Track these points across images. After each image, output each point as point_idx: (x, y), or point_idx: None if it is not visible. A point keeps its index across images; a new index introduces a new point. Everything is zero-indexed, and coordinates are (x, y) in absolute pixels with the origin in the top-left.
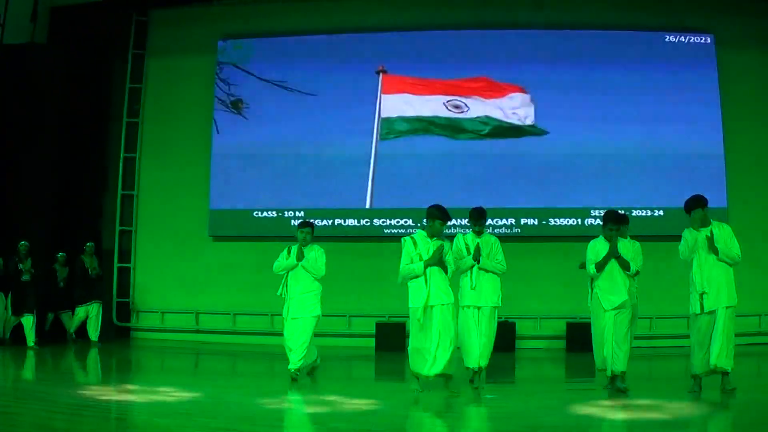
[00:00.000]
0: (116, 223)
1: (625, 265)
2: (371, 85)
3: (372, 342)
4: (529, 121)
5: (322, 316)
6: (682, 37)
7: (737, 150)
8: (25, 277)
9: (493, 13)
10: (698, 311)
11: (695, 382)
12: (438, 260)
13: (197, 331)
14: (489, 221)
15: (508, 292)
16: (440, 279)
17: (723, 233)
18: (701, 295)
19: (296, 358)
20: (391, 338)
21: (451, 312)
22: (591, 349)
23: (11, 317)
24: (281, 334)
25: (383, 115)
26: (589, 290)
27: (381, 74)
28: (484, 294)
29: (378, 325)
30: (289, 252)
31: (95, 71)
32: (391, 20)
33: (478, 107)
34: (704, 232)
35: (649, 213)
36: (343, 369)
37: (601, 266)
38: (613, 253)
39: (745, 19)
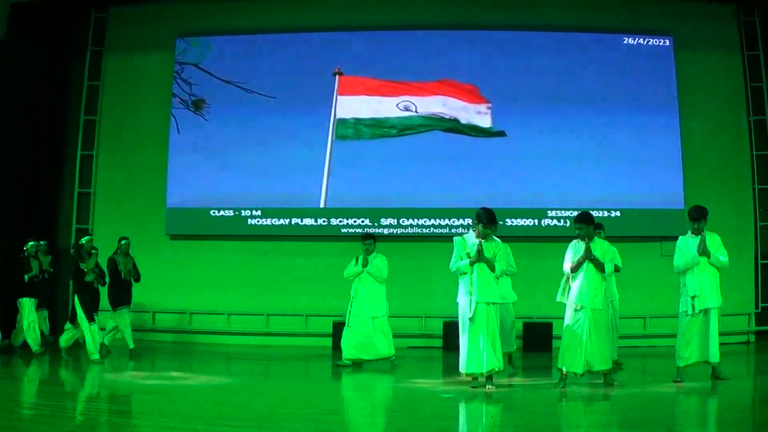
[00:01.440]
0: (73, 221)
1: (600, 267)
2: (328, 86)
3: (329, 341)
4: (484, 123)
5: (281, 315)
6: (641, 39)
7: (694, 152)
8: (89, 278)
9: (451, 13)
10: (690, 311)
11: (679, 372)
12: (481, 258)
13: (153, 330)
14: (446, 222)
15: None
16: (487, 277)
17: (714, 241)
18: (693, 297)
19: (389, 347)
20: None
21: (497, 310)
22: (548, 350)
23: (69, 326)
24: (238, 333)
25: (339, 116)
26: (562, 289)
27: (337, 76)
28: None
29: (335, 325)
30: (357, 261)
31: (54, 68)
32: (349, 19)
33: (432, 108)
34: (697, 239)
35: (606, 214)
36: (300, 367)
37: (575, 267)
38: (587, 255)
39: (703, 22)
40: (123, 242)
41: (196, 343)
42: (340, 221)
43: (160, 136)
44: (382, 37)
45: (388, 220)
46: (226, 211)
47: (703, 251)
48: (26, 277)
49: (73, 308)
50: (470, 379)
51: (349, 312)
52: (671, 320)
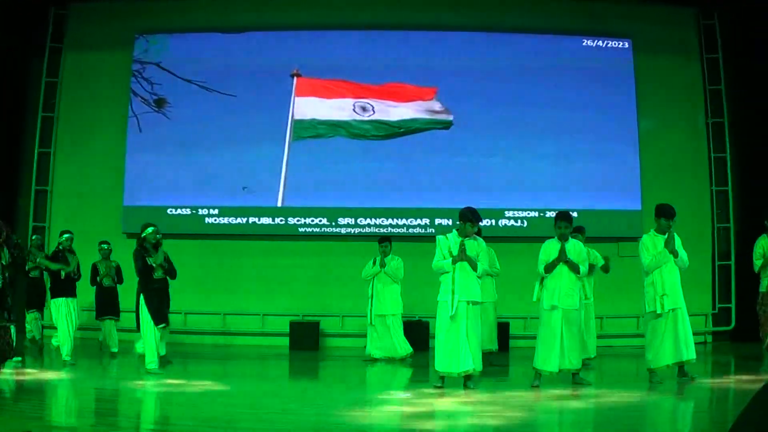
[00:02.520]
0: (30, 218)
1: (574, 268)
2: (287, 85)
3: (286, 341)
4: (441, 123)
5: (238, 315)
6: (600, 41)
7: (652, 154)
8: (158, 274)
9: (410, 14)
10: (659, 310)
11: (653, 374)
12: (463, 257)
13: None
14: (404, 221)
15: (420, 294)
16: (468, 276)
17: (677, 240)
18: (662, 296)
19: (404, 346)
20: (305, 337)
21: (478, 310)
22: (505, 349)
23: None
24: (194, 332)
25: (296, 117)
26: (537, 288)
27: (295, 77)
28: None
29: (292, 324)
30: (374, 261)
31: (12, 65)
32: (308, 18)
33: (389, 109)
34: (662, 237)
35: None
36: (256, 367)
37: (549, 268)
38: (562, 258)
39: (663, 25)
40: (104, 246)
41: None
42: (298, 220)
43: (117, 134)
44: (341, 37)
45: (346, 219)
46: (183, 210)
47: (673, 249)
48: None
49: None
50: (439, 378)
51: (370, 311)
52: (630, 320)
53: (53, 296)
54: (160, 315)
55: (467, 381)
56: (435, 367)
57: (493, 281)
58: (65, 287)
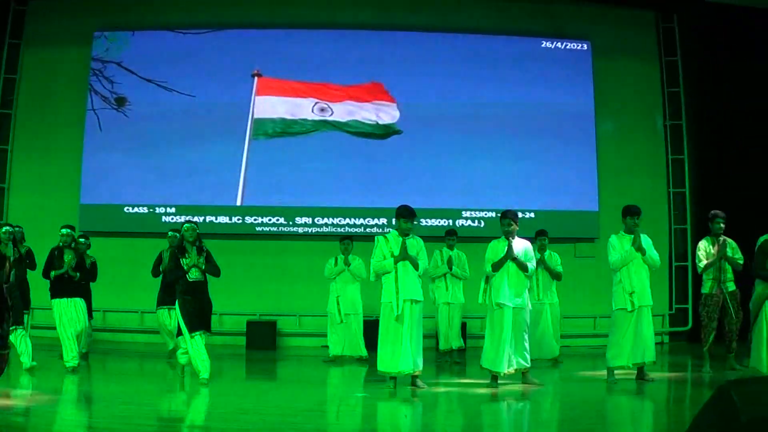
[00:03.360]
0: None
1: (522, 266)
2: (247, 85)
3: (242, 340)
4: (398, 124)
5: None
6: (559, 43)
7: (609, 155)
8: (195, 275)
9: (368, 14)
10: (629, 308)
11: (612, 373)
12: (405, 256)
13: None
14: (362, 221)
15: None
16: (411, 275)
17: (647, 241)
18: (630, 294)
19: (362, 347)
20: (262, 337)
21: (421, 309)
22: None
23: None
24: (151, 332)
25: (256, 116)
26: (482, 288)
27: (256, 77)
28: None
29: (249, 324)
30: (336, 261)
31: None
32: (269, 17)
33: (348, 110)
34: (630, 237)
35: (521, 215)
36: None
37: (496, 267)
38: (509, 255)
39: (622, 27)
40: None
41: (108, 341)
42: (255, 219)
43: (76, 132)
44: (302, 36)
45: (303, 219)
46: (140, 208)
47: (639, 248)
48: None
49: None
50: (388, 378)
51: (339, 310)
52: (587, 320)
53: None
54: (195, 322)
55: (415, 380)
56: (378, 367)
57: (461, 284)
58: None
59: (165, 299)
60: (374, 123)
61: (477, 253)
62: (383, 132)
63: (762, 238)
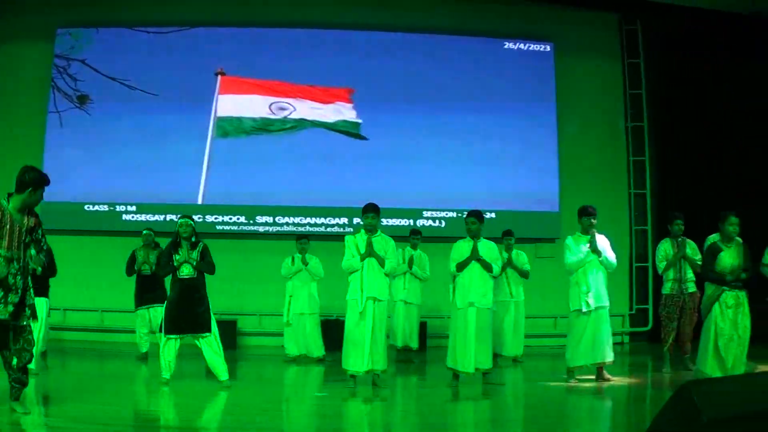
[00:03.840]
0: None
1: (487, 267)
2: (210, 83)
3: None
4: (360, 125)
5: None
6: (522, 44)
7: (571, 156)
8: (185, 272)
9: (332, 13)
10: (585, 308)
11: (572, 374)
12: (371, 253)
13: None
14: (322, 220)
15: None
16: (376, 274)
17: (604, 241)
18: (587, 294)
19: (319, 346)
20: (222, 336)
21: (385, 308)
22: (423, 349)
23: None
24: (111, 330)
25: (219, 114)
26: (451, 288)
27: (219, 76)
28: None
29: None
30: (293, 260)
31: None
32: (232, 16)
33: (309, 109)
34: (586, 238)
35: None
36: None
37: (461, 267)
38: (474, 256)
39: (585, 29)
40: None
41: (68, 341)
42: (216, 218)
43: (37, 129)
44: (266, 35)
45: (264, 218)
46: (100, 206)
47: (595, 249)
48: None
49: None
50: (349, 376)
51: (288, 310)
52: (547, 320)
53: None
54: (174, 323)
55: (376, 379)
56: (342, 365)
57: (419, 284)
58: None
59: (143, 299)
60: (334, 122)
61: (438, 253)
62: (344, 132)
63: (709, 239)
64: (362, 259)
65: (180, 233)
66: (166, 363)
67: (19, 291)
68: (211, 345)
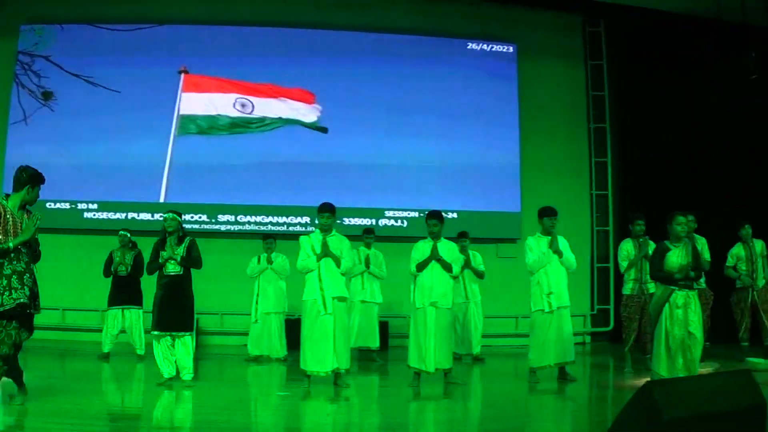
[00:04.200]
0: None
1: (446, 267)
2: (173, 81)
3: None
4: (322, 123)
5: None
6: (485, 45)
7: (533, 157)
8: (171, 268)
9: (296, 12)
10: (547, 309)
11: (534, 374)
12: (327, 253)
13: None
14: (284, 219)
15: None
16: (333, 273)
17: (563, 243)
18: (548, 294)
19: (283, 346)
20: None
21: (344, 307)
22: (385, 348)
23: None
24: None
25: (182, 112)
26: (412, 288)
27: (183, 74)
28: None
29: None
30: (259, 259)
31: None
32: (195, 14)
33: (272, 108)
34: (547, 239)
35: (443, 215)
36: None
37: (421, 267)
38: (434, 256)
39: (549, 30)
40: None
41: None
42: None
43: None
44: (229, 33)
45: (226, 216)
46: (62, 204)
47: (556, 249)
48: None
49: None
50: (308, 376)
51: (255, 309)
52: (509, 320)
53: None
54: (159, 320)
55: (337, 379)
56: (301, 366)
57: (378, 283)
58: None
59: (117, 300)
60: (298, 120)
61: (399, 253)
62: (307, 131)
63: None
64: (318, 260)
65: (166, 228)
66: (162, 363)
67: (31, 282)
68: (186, 345)
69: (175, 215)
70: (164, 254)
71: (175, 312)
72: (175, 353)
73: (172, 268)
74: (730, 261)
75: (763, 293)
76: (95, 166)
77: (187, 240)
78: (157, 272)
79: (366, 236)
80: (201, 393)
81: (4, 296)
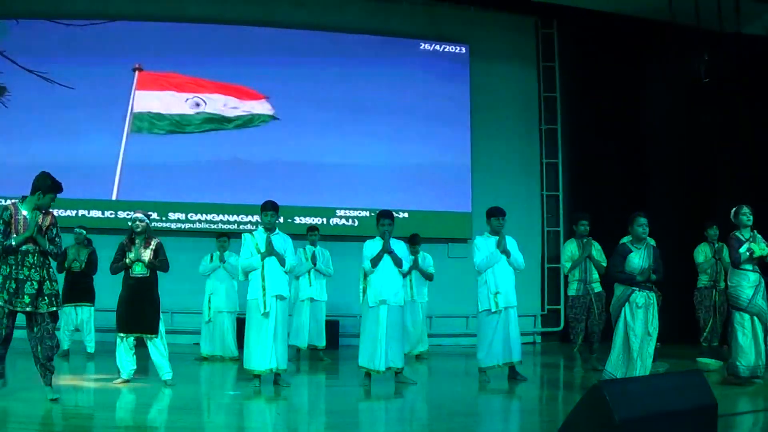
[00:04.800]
0: None
1: (398, 262)
2: (127, 78)
3: (113, 337)
4: (272, 120)
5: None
6: (438, 45)
7: (485, 157)
8: (138, 270)
9: (249, 10)
10: (493, 308)
11: (483, 373)
12: (271, 252)
13: None
14: (235, 218)
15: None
16: (277, 272)
17: (512, 242)
18: (495, 294)
19: (234, 346)
20: None
21: (286, 306)
22: (335, 347)
23: None
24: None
25: (135, 110)
26: (361, 288)
27: (137, 71)
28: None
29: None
30: (211, 257)
31: None
32: (151, 10)
33: (224, 106)
34: (495, 238)
35: (394, 215)
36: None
37: (375, 261)
38: (386, 248)
39: (501, 31)
40: None
41: None
42: (128, 214)
43: None
44: (184, 31)
45: (177, 214)
46: (8, 201)
47: (504, 249)
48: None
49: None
50: (253, 376)
51: (208, 308)
52: (459, 320)
53: None
54: (124, 321)
55: (277, 379)
56: (245, 365)
57: (324, 281)
58: None
59: (70, 297)
60: (249, 121)
61: (351, 252)
62: (258, 129)
63: (624, 240)
64: (262, 258)
65: (133, 229)
66: (121, 362)
67: (35, 283)
68: (156, 346)
69: (143, 217)
70: (131, 255)
71: (141, 314)
72: (150, 355)
73: (140, 270)
74: (700, 258)
75: (724, 294)
76: (48, 163)
77: (154, 242)
78: (123, 273)
79: (310, 234)
80: (152, 393)
81: None
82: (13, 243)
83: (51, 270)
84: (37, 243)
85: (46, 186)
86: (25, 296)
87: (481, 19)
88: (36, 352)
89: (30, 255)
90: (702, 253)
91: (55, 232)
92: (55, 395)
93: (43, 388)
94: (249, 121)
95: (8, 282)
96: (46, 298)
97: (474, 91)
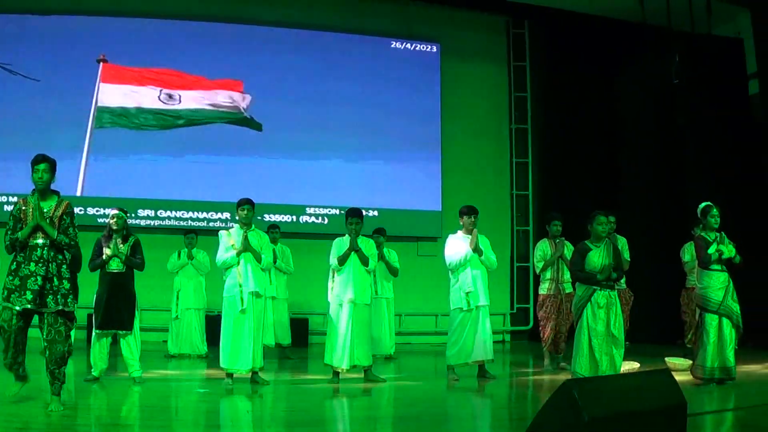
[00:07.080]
0: None
1: (364, 260)
2: (92, 72)
3: (83, 334)
4: (245, 115)
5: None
6: (409, 44)
7: (455, 156)
8: (114, 266)
9: (220, 6)
10: (465, 307)
11: (452, 371)
12: (247, 248)
13: None
14: (205, 215)
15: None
16: (255, 268)
17: (484, 241)
18: (467, 293)
19: (203, 343)
20: None
21: (264, 303)
22: (304, 344)
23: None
24: None
25: (100, 104)
26: (330, 285)
27: (101, 63)
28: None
29: (89, 317)
30: (179, 254)
31: None
32: (117, 4)
33: (195, 101)
34: (467, 237)
35: (364, 213)
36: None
37: (342, 259)
38: (353, 247)
39: (473, 31)
40: None
41: None
42: (97, 211)
43: None
44: (153, 25)
45: (146, 211)
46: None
47: (476, 248)
48: None
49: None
50: (227, 373)
51: (176, 305)
52: (428, 318)
53: None
54: (101, 318)
55: (254, 376)
56: (221, 364)
57: (285, 279)
58: None
59: None
60: (220, 116)
61: (320, 249)
62: (232, 121)
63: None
64: (238, 255)
65: (111, 226)
66: (95, 359)
67: (39, 278)
68: (129, 344)
69: (122, 213)
70: (108, 252)
71: (117, 311)
72: (122, 352)
73: (115, 266)
74: (687, 257)
75: None
76: (11, 157)
77: (131, 239)
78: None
79: (272, 231)
80: (121, 390)
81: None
82: (19, 236)
83: (65, 266)
84: (46, 233)
85: (32, 160)
86: (27, 292)
87: (453, 18)
88: (46, 356)
89: (38, 249)
90: (689, 252)
91: (68, 221)
92: (60, 407)
93: (43, 394)
94: (218, 118)
95: (13, 278)
96: (54, 295)
97: (445, 90)
